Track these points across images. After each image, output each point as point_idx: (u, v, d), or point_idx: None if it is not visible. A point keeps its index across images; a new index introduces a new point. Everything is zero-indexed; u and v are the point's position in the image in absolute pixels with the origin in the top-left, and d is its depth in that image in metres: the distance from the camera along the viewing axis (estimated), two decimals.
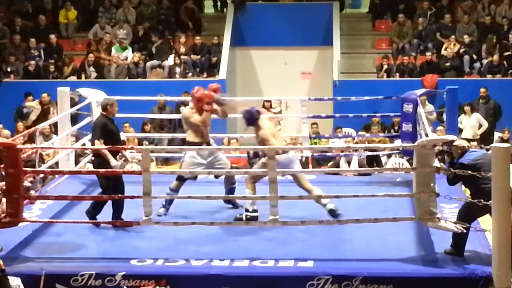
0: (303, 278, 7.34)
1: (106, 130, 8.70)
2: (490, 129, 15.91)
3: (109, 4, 18.99)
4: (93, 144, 8.68)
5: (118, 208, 8.44)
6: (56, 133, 12.44)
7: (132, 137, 14.77)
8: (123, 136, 14.25)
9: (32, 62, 17.50)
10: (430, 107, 15.13)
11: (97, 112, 11.04)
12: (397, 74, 17.28)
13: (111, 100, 8.91)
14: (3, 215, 7.79)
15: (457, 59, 17.24)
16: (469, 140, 14.58)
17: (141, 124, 15.41)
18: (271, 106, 16.03)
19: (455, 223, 7.65)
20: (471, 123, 15.53)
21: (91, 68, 17.57)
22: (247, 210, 8.63)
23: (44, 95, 16.06)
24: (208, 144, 9.31)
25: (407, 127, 11.06)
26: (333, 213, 8.60)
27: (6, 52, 17.90)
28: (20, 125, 15.27)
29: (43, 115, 15.90)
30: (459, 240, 7.64)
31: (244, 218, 8.60)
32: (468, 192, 13.22)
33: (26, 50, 17.93)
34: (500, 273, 7.13)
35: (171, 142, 15.72)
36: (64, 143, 10.74)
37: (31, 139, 13.31)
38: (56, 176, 10.64)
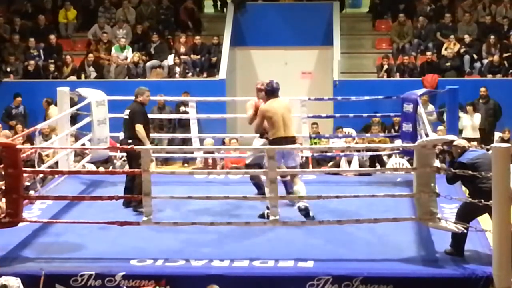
0: (303, 278, 7.33)
1: (145, 116, 9.41)
2: (490, 129, 15.91)
3: (108, 4, 18.98)
4: (133, 128, 9.19)
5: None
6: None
7: None
8: (122, 136, 14.29)
9: (32, 62, 17.51)
10: (431, 107, 15.14)
11: (97, 112, 11.06)
12: (397, 74, 17.27)
13: (142, 89, 9.50)
14: (2, 215, 7.78)
15: (458, 59, 17.24)
16: (469, 140, 14.60)
17: None
18: None
19: (455, 223, 7.64)
20: (471, 123, 15.54)
21: (91, 68, 17.57)
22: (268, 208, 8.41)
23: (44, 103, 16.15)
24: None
25: (407, 127, 11.05)
26: (303, 212, 8.58)
27: (6, 52, 17.90)
28: (19, 126, 15.25)
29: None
30: (458, 240, 7.63)
31: (266, 215, 8.45)
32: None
33: (26, 50, 17.93)
34: (500, 273, 7.11)
35: (171, 142, 15.72)
36: (64, 143, 10.73)
37: (29, 139, 13.30)
38: (56, 176, 10.63)
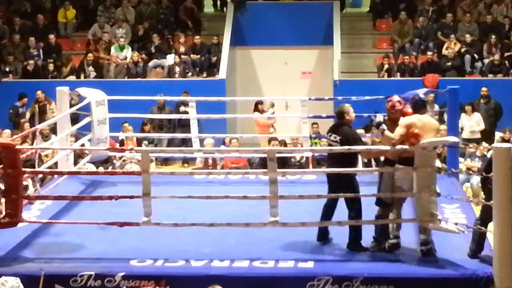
0: (303, 278, 7.32)
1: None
2: (491, 129, 15.89)
3: (108, 4, 18.97)
4: (355, 155, 8.09)
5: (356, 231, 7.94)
6: (55, 132, 12.41)
7: (131, 137, 14.76)
8: (122, 135, 14.30)
9: (31, 61, 17.49)
10: (437, 107, 15.15)
11: (96, 112, 11.01)
12: (398, 73, 17.26)
13: (346, 107, 8.16)
14: (2, 215, 7.76)
15: (458, 58, 17.23)
16: (468, 140, 14.58)
17: (140, 124, 15.38)
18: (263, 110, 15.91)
19: (455, 223, 7.64)
20: (471, 123, 15.51)
21: (90, 68, 17.56)
22: (389, 237, 7.89)
23: (39, 92, 16.13)
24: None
25: None
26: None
27: (5, 52, 17.89)
28: (27, 125, 15.25)
29: (41, 113, 15.99)
30: (480, 242, 7.59)
31: (386, 246, 7.91)
32: (469, 191, 13.26)
33: (25, 50, 17.91)
34: (501, 273, 7.11)
35: (170, 142, 15.71)
36: (64, 144, 10.70)
37: (26, 139, 13.28)
38: (55, 176, 10.61)
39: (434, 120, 8.13)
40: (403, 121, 7.81)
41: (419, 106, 7.92)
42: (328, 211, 8.15)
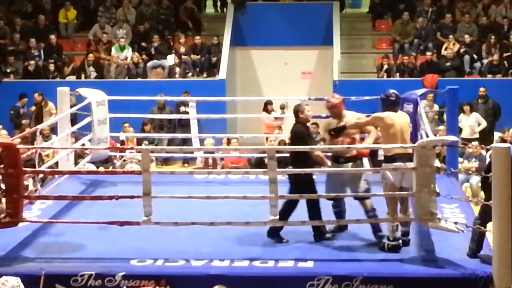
0: (303, 278, 7.33)
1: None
2: (490, 129, 15.90)
3: (109, 4, 18.99)
4: (306, 152, 8.02)
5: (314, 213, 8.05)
6: (55, 132, 12.44)
7: (131, 137, 14.77)
8: (122, 136, 14.32)
9: (32, 62, 17.51)
10: (437, 107, 15.18)
11: (97, 112, 11.03)
12: (397, 74, 17.28)
13: (302, 105, 8.26)
14: (2, 215, 7.78)
15: (458, 59, 17.25)
16: (468, 140, 14.60)
17: (141, 124, 15.40)
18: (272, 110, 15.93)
19: (455, 223, 7.65)
20: (470, 123, 15.53)
21: (91, 68, 17.58)
22: (388, 239, 7.92)
23: (36, 95, 16.16)
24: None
25: None
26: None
27: (6, 52, 17.90)
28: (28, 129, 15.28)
29: (38, 114, 16.04)
30: (479, 241, 7.61)
31: (385, 247, 7.90)
32: (468, 191, 13.27)
33: (26, 50, 17.93)
34: (500, 273, 7.12)
35: (171, 142, 15.73)
36: (64, 143, 10.72)
37: (26, 139, 13.30)
38: (56, 176, 10.63)
39: (406, 116, 8.20)
40: (373, 114, 8.08)
41: (387, 104, 8.04)
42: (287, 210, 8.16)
